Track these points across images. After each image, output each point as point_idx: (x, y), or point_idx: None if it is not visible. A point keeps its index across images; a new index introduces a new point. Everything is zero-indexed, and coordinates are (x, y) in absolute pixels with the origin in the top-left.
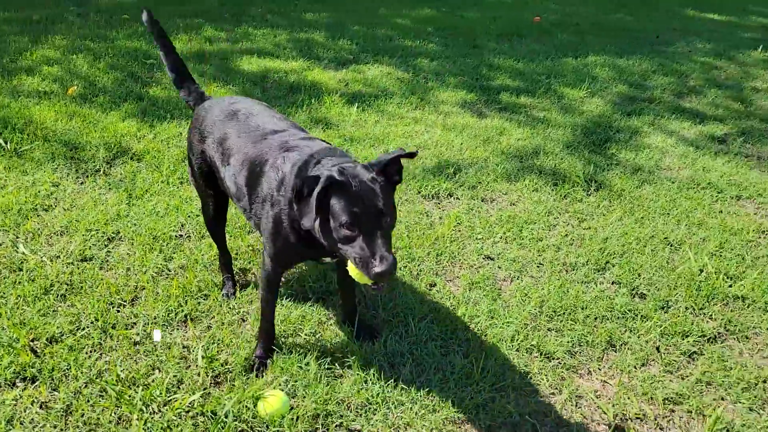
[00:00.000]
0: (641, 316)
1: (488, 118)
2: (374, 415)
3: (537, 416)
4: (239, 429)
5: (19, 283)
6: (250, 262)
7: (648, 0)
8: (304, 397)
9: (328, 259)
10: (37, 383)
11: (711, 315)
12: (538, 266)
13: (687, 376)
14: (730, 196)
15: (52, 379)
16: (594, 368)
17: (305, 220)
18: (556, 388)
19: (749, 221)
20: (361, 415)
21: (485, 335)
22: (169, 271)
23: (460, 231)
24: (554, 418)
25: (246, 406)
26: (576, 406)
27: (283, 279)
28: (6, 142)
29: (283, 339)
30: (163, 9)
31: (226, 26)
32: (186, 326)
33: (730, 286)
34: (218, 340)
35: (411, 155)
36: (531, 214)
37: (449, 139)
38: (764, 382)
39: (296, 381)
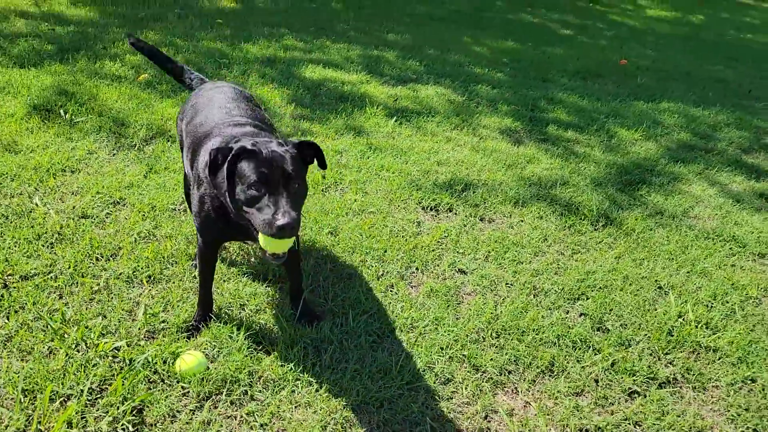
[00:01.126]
0: (593, 348)
1: (523, 146)
2: (282, 390)
3: (439, 420)
4: (150, 378)
5: (20, 227)
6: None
7: (760, 56)
8: (222, 364)
9: (250, 242)
10: None
11: (672, 361)
12: (507, 286)
13: (615, 413)
14: (752, 252)
15: (8, 308)
16: (522, 388)
17: (218, 190)
18: (472, 400)
19: (760, 279)
20: (268, 388)
21: (421, 339)
22: (154, 237)
23: (443, 243)
24: (456, 426)
25: (163, 360)
26: (485, 419)
27: (241, 255)
28: (65, 113)
29: (227, 311)
30: (253, 19)
31: (307, 38)
32: (144, 285)
33: (706, 336)
34: (167, 301)
35: (321, 160)
36: (523, 238)
37: (473, 159)
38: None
39: (221, 348)
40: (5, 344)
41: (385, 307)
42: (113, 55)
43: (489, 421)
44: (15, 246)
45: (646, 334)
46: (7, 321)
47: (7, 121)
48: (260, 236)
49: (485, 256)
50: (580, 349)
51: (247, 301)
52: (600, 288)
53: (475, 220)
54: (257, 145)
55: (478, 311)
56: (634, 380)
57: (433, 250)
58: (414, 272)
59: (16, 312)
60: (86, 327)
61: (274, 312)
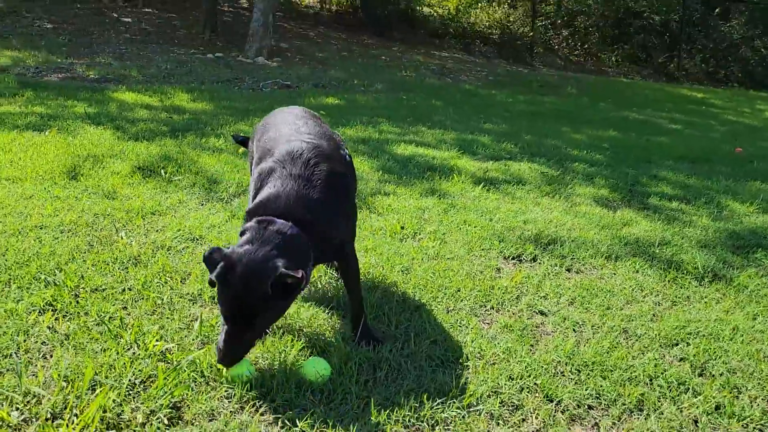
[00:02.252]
0: (693, 391)
1: (620, 211)
2: (329, 402)
3: None
4: (194, 379)
5: (100, 252)
6: None
7: None
8: (271, 373)
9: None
10: (56, 312)
11: None
12: (593, 328)
13: None
14: None
15: (74, 313)
16: (605, 425)
17: None
18: (542, 428)
19: None
20: (315, 398)
21: (489, 366)
22: None
23: (523, 287)
24: None
25: (211, 365)
26: None
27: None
28: (165, 172)
29: (285, 330)
30: (354, 111)
31: (403, 125)
32: (206, 304)
33: None
34: None
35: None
36: (615, 287)
37: (563, 219)
38: None
39: (272, 360)
40: (62, 342)
41: (451, 336)
42: (219, 134)
43: None
44: (92, 267)
45: (759, 383)
46: (69, 324)
47: (112, 178)
48: None
49: (569, 302)
50: (676, 390)
51: (306, 323)
52: (704, 336)
53: (561, 270)
54: (231, 258)
55: (557, 347)
56: (743, 425)
57: (510, 292)
58: (488, 310)
59: (79, 315)
60: (141, 332)
61: (332, 333)
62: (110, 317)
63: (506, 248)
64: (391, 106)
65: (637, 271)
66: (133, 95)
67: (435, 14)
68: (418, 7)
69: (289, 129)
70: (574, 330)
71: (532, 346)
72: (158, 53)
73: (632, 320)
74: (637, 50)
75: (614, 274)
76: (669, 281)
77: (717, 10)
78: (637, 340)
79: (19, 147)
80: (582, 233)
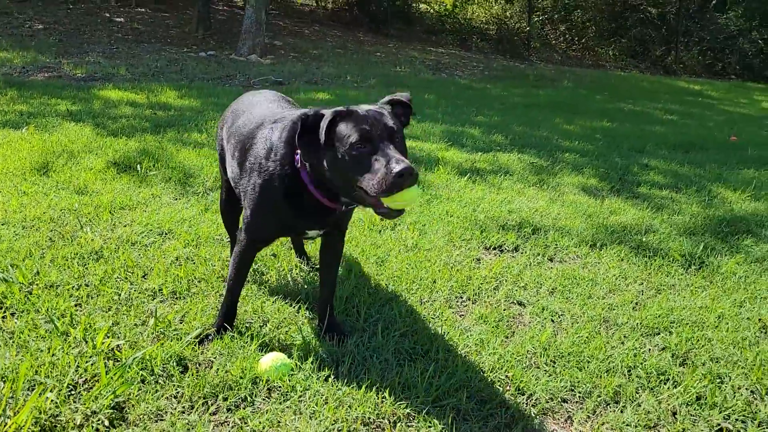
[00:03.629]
0: (673, 381)
1: (608, 200)
2: (286, 400)
3: None
4: (143, 378)
5: (61, 248)
6: (266, 265)
7: None
8: (224, 367)
9: (313, 232)
10: (5, 310)
11: None
12: (572, 317)
13: None
14: None
15: (23, 311)
16: (579, 418)
17: (311, 157)
18: (511, 422)
19: None
20: (271, 396)
21: (459, 360)
22: (191, 261)
23: (502, 276)
24: None
25: (164, 362)
26: None
27: (274, 274)
28: (140, 167)
29: (246, 324)
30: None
31: None
32: (166, 299)
33: None
34: (185, 312)
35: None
36: (598, 276)
37: (549, 209)
38: None
39: (230, 355)
40: (6, 341)
41: (423, 329)
42: (201, 129)
43: None
44: (51, 262)
45: (744, 372)
46: (16, 321)
47: (85, 173)
48: (363, 210)
49: (550, 291)
50: (655, 380)
51: (270, 316)
52: (688, 324)
53: (543, 259)
54: (350, 107)
55: (533, 337)
56: (725, 417)
57: (488, 282)
58: (464, 301)
59: (28, 313)
60: (92, 328)
61: (297, 328)
62: (61, 314)
63: (487, 238)
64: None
65: (622, 260)
66: (119, 93)
67: (431, 10)
68: (414, 4)
69: (262, 112)
70: (552, 320)
71: (506, 337)
72: (149, 52)
73: (613, 309)
74: (635, 43)
75: (598, 262)
76: (654, 269)
77: (714, 2)
78: (617, 330)
79: None
80: (567, 222)
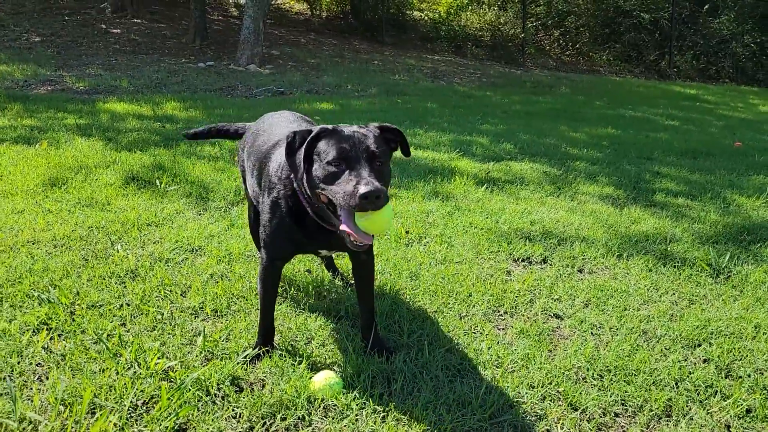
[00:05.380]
0: (721, 393)
1: (627, 209)
2: (343, 419)
3: None
4: (200, 398)
5: (96, 267)
6: (303, 281)
7: None
8: (279, 387)
9: (324, 252)
10: (51, 331)
11: None
12: (611, 330)
13: None
14: None
15: (70, 332)
16: None
17: (294, 174)
18: None
19: None
20: (328, 415)
21: (508, 375)
22: (226, 278)
23: (535, 289)
24: None
25: (219, 382)
26: None
27: (312, 290)
28: (160, 183)
29: (293, 343)
30: (348, 116)
31: (400, 128)
32: (209, 317)
33: None
34: (230, 331)
35: (405, 147)
36: (629, 287)
37: (570, 219)
38: None
39: (281, 375)
40: (58, 363)
41: (467, 344)
42: (213, 142)
43: None
44: (88, 282)
45: None
46: (65, 343)
47: (106, 189)
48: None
49: (584, 303)
50: (704, 393)
51: (315, 333)
52: (726, 335)
53: (573, 271)
54: (337, 126)
55: (576, 351)
56: None
57: (523, 295)
58: (501, 315)
59: (75, 334)
60: (141, 349)
61: (343, 345)
62: (108, 335)
63: (515, 250)
64: (386, 110)
65: (651, 270)
66: (124, 105)
67: (426, 18)
68: (408, 11)
69: (281, 132)
70: (591, 333)
71: (550, 351)
72: (148, 63)
73: (651, 321)
74: (629, 49)
75: (627, 273)
76: (684, 279)
77: (706, 6)
78: (658, 342)
79: (8, 160)
80: (590, 232)
